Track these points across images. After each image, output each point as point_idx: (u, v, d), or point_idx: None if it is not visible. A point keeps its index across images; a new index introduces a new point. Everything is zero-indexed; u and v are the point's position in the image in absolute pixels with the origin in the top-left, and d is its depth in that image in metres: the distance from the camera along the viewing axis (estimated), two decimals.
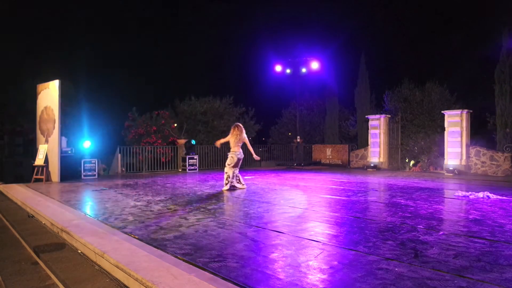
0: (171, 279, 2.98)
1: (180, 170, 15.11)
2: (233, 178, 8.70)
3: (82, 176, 11.69)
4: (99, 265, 3.74)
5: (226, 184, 8.65)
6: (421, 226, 4.75)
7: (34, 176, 10.71)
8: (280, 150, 19.42)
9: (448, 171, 12.78)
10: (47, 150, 10.96)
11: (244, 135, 8.72)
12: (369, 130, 15.94)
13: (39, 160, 10.87)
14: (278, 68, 17.63)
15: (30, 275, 3.74)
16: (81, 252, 4.19)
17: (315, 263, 3.35)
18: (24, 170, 10.89)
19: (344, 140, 19.95)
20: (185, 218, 5.41)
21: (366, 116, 16.37)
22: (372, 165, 15.19)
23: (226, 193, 8.11)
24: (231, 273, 3.09)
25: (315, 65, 16.84)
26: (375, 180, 10.82)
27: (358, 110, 18.43)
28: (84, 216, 5.63)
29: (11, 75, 14.92)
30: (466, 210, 5.98)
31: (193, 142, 14.87)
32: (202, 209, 6.18)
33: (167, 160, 15.45)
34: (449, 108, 14.22)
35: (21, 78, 14.62)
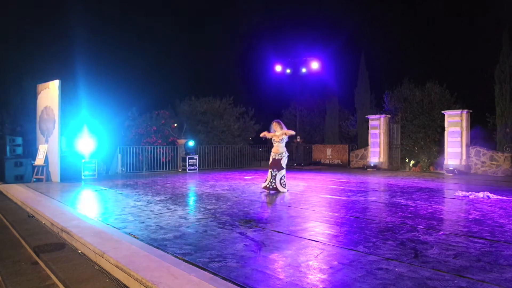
0: (171, 279, 2.98)
1: (180, 170, 15.11)
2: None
3: (82, 176, 11.69)
4: (99, 265, 3.74)
5: (285, 186, 8.15)
6: (421, 226, 4.74)
7: (34, 176, 10.71)
8: None
9: (448, 171, 12.79)
10: (47, 150, 10.96)
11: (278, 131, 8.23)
12: (369, 130, 15.94)
13: (39, 160, 10.86)
14: (278, 68, 17.63)
15: (30, 275, 3.74)
16: (81, 252, 4.18)
17: (315, 263, 3.35)
18: (24, 170, 10.88)
19: (344, 140, 19.94)
20: (185, 218, 5.41)
21: (366, 116, 16.37)
22: (372, 165, 15.19)
23: (227, 194, 8.10)
24: (231, 273, 3.09)
25: (315, 65, 16.84)
26: (375, 180, 10.82)
27: (358, 110, 18.42)
28: (84, 216, 5.63)
29: (11, 75, 14.92)
30: (466, 210, 5.98)
31: (191, 144, 14.86)
32: (202, 209, 6.18)
33: (167, 160, 15.44)
34: (449, 108, 14.22)
35: (21, 78, 14.61)
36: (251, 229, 4.68)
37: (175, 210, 6.10)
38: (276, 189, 8.04)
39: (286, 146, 8.30)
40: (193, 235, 4.41)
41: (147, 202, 6.90)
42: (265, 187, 8.20)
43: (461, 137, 12.96)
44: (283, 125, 8.31)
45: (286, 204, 6.73)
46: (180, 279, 2.99)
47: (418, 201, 6.77)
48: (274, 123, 8.31)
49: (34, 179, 10.70)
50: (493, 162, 12.59)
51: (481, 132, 14.00)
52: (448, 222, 5.20)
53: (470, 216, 5.43)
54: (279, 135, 8.16)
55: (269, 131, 8.41)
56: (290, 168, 16.35)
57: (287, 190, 8.14)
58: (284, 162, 8.08)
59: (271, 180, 8.09)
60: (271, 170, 8.13)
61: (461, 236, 4.26)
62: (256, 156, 18.90)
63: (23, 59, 16.11)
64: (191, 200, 7.57)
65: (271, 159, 8.22)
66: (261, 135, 8.58)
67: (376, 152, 15.47)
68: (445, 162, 13.25)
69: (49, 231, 5.25)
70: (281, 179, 8.05)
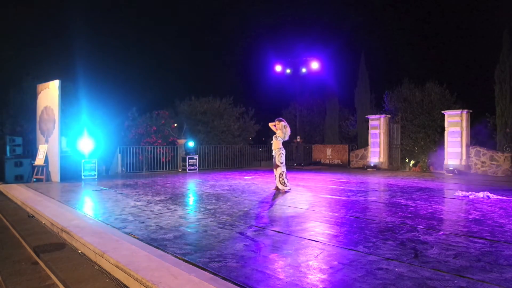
0: (171, 279, 2.98)
1: (180, 170, 15.11)
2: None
3: (82, 176, 11.69)
4: (99, 265, 3.74)
5: (285, 184, 8.18)
6: (421, 226, 4.74)
7: (34, 176, 10.71)
8: None
9: (448, 171, 12.78)
10: (47, 150, 10.96)
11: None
12: (369, 130, 15.94)
13: (39, 160, 10.86)
14: (278, 68, 17.63)
15: (30, 275, 3.74)
16: (81, 252, 4.18)
17: (315, 263, 3.35)
18: (24, 170, 10.88)
19: (344, 140, 19.94)
20: (185, 218, 5.41)
21: (366, 116, 16.37)
22: (372, 165, 15.18)
23: (227, 194, 8.10)
24: (231, 273, 3.09)
25: (315, 65, 16.83)
26: (375, 180, 10.82)
27: (358, 110, 18.42)
28: (84, 216, 5.63)
29: (11, 75, 14.90)
30: (466, 210, 5.98)
31: (191, 145, 14.87)
32: (202, 209, 6.18)
33: (167, 160, 15.44)
34: (449, 108, 14.22)
35: (21, 78, 14.60)
36: (251, 229, 4.68)
37: (175, 210, 6.10)
38: (277, 187, 8.21)
39: (285, 146, 8.39)
40: (193, 235, 4.41)
41: (147, 202, 6.90)
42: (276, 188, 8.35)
43: (461, 137, 12.95)
44: (283, 123, 8.33)
45: (286, 204, 6.73)
46: (180, 279, 2.99)
47: (418, 201, 6.77)
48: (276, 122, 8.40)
49: (34, 179, 10.70)
50: (493, 162, 12.59)
51: (481, 132, 14.01)
52: (448, 222, 5.20)
53: (470, 216, 5.43)
54: (277, 134, 8.31)
55: (275, 125, 8.45)
56: (290, 168, 16.32)
57: (289, 189, 8.20)
58: (278, 159, 8.14)
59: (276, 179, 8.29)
60: (274, 169, 8.33)
61: (461, 236, 4.26)
62: (256, 156, 18.91)
63: (23, 59, 16.11)
64: (191, 200, 7.57)
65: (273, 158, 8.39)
66: (271, 124, 8.61)
67: (376, 152, 15.47)
68: (445, 162, 13.25)
69: (49, 231, 5.25)
70: (279, 176, 8.17)
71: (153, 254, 3.63)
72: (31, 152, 11.96)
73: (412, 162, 15.08)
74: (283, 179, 8.18)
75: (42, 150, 11.03)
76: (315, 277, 3.02)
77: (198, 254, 3.64)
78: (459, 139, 12.99)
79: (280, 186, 8.15)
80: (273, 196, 7.70)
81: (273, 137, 8.33)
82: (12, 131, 13.41)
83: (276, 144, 8.24)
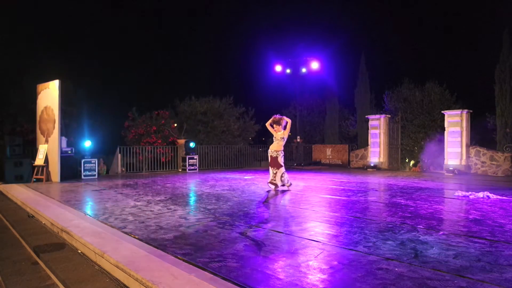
0: (171, 279, 2.98)
1: (180, 170, 15.11)
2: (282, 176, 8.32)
3: (82, 176, 11.69)
4: (99, 265, 3.74)
5: (275, 183, 8.27)
6: (421, 226, 4.74)
7: (34, 176, 10.71)
8: None
9: (448, 171, 12.78)
10: (47, 150, 10.96)
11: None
12: (369, 130, 15.94)
13: (39, 160, 10.86)
14: (278, 68, 17.63)
15: (30, 275, 3.74)
16: (81, 252, 4.19)
17: (315, 263, 3.35)
18: (24, 170, 10.88)
19: (344, 140, 19.95)
20: (185, 218, 5.41)
21: (366, 116, 16.37)
22: (372, 165, 15.18)
23: (227, 194, 8.10)
24: (231, 273, 3.09)
25: (315, 65, 16.83)
26: (375, 180, 10.82)
27: (358, 110, 18.42)
28: (84, 216, 5.63)
29: (11, 75, 14.92)
30: (466, 210, 5.98)
31: (192, 145, 14.86)
32: (202, 209, 6.18)
33: (167, 160, 15.45)
34: (449, 108, 14.22)
35: (21, 78, 14.61)
36: (251, 229, 4.68)
37: (175, 210, 6.10)
38: (277, 185, 8.33)
39: (285, 145, 8.53)
40: (193, 235, 4.41)
41: (147, 202, 6.90)
42: (270, 182, 8.46)
43: (461, 137, 12.95)
44: (283, 122, 8.36)
45: (286, 204, 6.73)
46: (180, 279, 2.99)
47: (418, 201, 6.77)
48: (276, 120, 8.37)
49: (34, 179, 10.69)
50: (493, 162, 12.59)
51: (481, 132, 14.00)
52: (448, 222, 5.20)
53: (470, 216, 5.43)
54: (280, 135, 8.31)
55: (271, 125, 8.48)
56: (290, 168, 16.33)
57: (290, 184, 8.48)
58: (280, 160, 8.32)
59: (272, 178, 8.40)
60: (271, 168, 8.41)
61: (461, 236, 4.26)
62: (256, 156, 18.90)
63: (23, 59, 16.12)
64: (191, 200, 7.56)
65: (269, 158, 8.44)
66: (267, 124, 8.60)
67: (376, 152, 15.47)
68: (445, 162, 13.25)
69: (49, 231, 5.25)
70: (281, 176, 8.33)
71: (153, 254, 3.63)
72: (31, 152, 11.96)
73: (412, 162, 15.08)
74: (284, 178, 8.37)
75: (42, 150, 11.03)
76: (315, 277, 3.02)
77: (198, 254, 3.64)
78: (459, 139, 12.99)
79: (279, 183, 8.31)
80: (273, 196, 7.70)
81: (280, 139, 8.26)
82: (12, 131, 13.42)
83: (280, 146, 8.28)
